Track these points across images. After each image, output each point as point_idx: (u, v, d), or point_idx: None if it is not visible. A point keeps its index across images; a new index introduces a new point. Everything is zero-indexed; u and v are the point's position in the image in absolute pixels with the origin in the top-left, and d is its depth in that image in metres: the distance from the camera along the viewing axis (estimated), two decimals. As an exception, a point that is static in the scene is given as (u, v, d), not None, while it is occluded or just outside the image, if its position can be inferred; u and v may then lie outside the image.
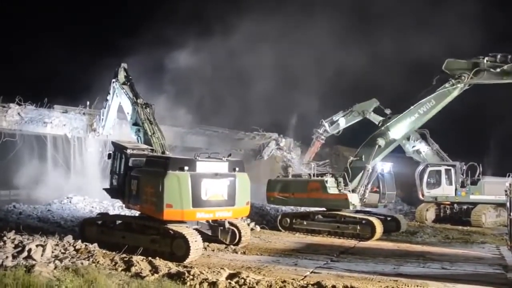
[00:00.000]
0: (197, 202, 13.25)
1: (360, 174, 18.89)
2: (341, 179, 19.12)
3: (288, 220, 19.88)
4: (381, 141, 18.83)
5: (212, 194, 13.61)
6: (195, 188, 13.21)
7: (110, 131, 21.28)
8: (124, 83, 18.71)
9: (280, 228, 19.82)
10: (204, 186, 13.42)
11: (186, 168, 13.21)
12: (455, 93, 18.37)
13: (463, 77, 18.08)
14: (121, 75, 18.87)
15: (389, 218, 20.13)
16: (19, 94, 24.60)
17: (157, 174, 13.36)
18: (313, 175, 20.06)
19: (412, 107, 18.61)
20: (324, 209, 19.55)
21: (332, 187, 18.97)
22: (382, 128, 19.16)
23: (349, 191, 18.73)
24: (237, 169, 14.37)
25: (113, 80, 19.06)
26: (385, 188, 19.94)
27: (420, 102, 18.53)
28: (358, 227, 18.23)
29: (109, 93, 19.61)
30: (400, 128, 18.99)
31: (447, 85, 18.30)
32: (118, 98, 19.03)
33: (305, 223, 19.53)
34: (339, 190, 18.86)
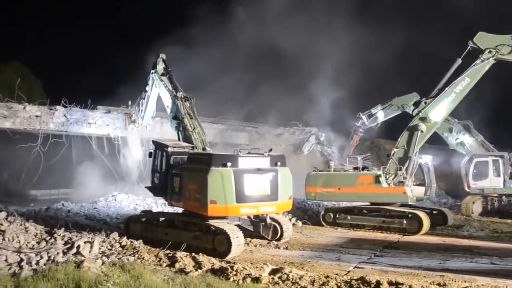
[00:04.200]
0: (240, 197, 13.28)
1: (406, 164, 18.34)
2: (392, 172, 18.50)
3: (332, 215, 19.40)
4: (422, 126, 18.42)
5: (255, 189, 13.62)
6: (238, 184, 13.23)
7: (149, 121, 21.46)
8: (163, 74, 18.71)
9: (323, 223, 19.42)
10: (247, 182, 13.43)
11: (229, 164, 13.24)
12: (486, 68, 18.07)
13: (494, 52, 17.79)
14: (160, 66, 18.90)
15: (435, 212, 19.59)
16: (65, 96, 25.43)
17: (201, 171, 13.44)
18: (360, 169, 19.46)
19: (447, 88, 18.33)
20: (367, 203, 19.02)
21: (386, 180, 18.41)
22: (421, 113, 18.69)
23: (400, 183, 18.16)
24: (279, 163, 14.32)
25: (152, 71, 19.11)
26: (430, 181, 19.39)
27: (454, 82, 18.26)
28: (405, 221, 17.72)
29: (148, 84, 19.68)
30: (439, 110, 18.56)
31: (478, 61, 18.06)
32: (157, 89, 19.03)
33: (349, 217, 19.03)
34: (394, 184, 18.28)
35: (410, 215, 17.81)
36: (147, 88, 19.91)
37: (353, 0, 33.31)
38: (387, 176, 18.47)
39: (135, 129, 23.44)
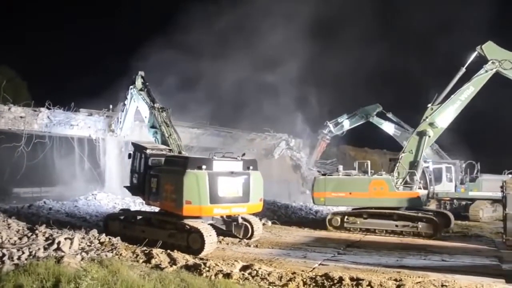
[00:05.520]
0: (214, 198, 13.29)
1: (418, 168, 17.97)
2: (401, 176, 18.00)
3: (339, 219, 18.33)
4: (430, 131, 17.97)
5: (228, 191, 13.64)
6: (212, 186, 13.24)
7: (127, 132, 21.55)
8: (141, 89, 18.89)
9: (329, 227, 18.39)
10: (220, 184, 13.45)
11: (204, 167, 13.24)
12: (488, 77, 17.72)
13: (497, 64, 17.35)
14: (139, 82, 19.07)
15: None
16: (49, 99, 25.01)
17: (177, 173, 13.42)
18: (371, 174, 18.46)
19: (453, 96, 17.97)
20: (373, 207, 17.95)
21: (399, 185, 17.82)
22: (428, 119, 18.10)
23: (409, 187, 17.73)
24: (251, 167, 14.36)
25: (131, 86, 19.27)
26: (432, 184, 19.06)
27: (459, 90, 17.88)
28: (420, 225, 16.94)
29: (127, 98, 19.85)
30: (446, 116, 18.01)
31: (482, 71, 17.66)
32: (136, 103, 19.24)
33: (358, 222, 18.05)
34: (409, 188, 17.71)
35: (425, 219, 17.08)
36: (125, 102, 20.15)
37: (323, 13, 33.70)
38: (396, 180, 17.94)
39: (114, 137, 23.52)
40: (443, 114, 18.04)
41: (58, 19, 54.25)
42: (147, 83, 19.04)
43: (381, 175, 18.55)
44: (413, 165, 18.10)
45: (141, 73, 19.27)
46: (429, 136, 18.12)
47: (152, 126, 17.54)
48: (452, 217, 19.29)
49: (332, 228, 18.39)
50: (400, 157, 18.45)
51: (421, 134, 18.17)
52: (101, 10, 56.29)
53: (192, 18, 33.31)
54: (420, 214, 17.38)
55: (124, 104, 20.30)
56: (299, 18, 32.37)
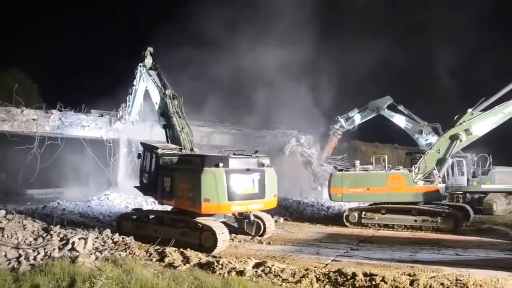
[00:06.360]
0: (231, 195, 13.32)
1: (441, 166, 17.65)
2: (421, 172, 17.69)
3: (356, 215, 18.19)
4: (463, 136, 17.29)
5: (244, 188, 13.67)
6: (229, 183, 13.28)
7: (136, 117, 20.19)
8: (151, 68, 17.94)
9: (346, 223, 18.22)
10: (237, 181, 13.49)
11: (221, 164, 13.26)
12: None
13: None
14: (148, 59, 18.03)
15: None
16: (60, 101, 25.28)
17: (194, 171, 13.41)
18: (388, 168, 18.19)
19: (497, 106, 17.08)
20: (391, 202, 17.76)
21: (418, 179, 17.58)
22: (464, 123, 17.38)
23: (430, 181, 17.47)
24: (265, 164, 14.43)
25: (140, 64, 18.19)
26: (449, 179, 18.64)
27: (506, 103, 17.00)
28: (439, 220, 16.80)
29: (136, 78, 18.73)
30: (484, 125, 17.20)
31: None
32: (145, 83, 18.11)
33: (376, 217, 17.88)
34: (429, 182, 17.43)
35: (444, 214, 16.92)
36: (134, 82, 18.97)
37: (332, 9, 33.53)
38: (415, 174, 17.65)
39: (121, 126, 22.43)
40: (481, 123, 17.27)
41: (65, 20, 54.57)
42: (157, 64, 17.98)
43: (399, 169, 18.34)
44: (438, 163, 17.77)
45: (150, 49, 18.15)
46: (461, 141, 17.46)
47: (163, 114, 16.78)
48: (471, 210, 19.11)
49: (350, 225, 18.22)
50: (426, 153, 18.14)
51: (453, 137, 17.52)
52: (110, 9, 56.50)
53: (205, 10, 33.14)
54: (439, 209, 17.19)
55: (133, 85, 19.13)
56: (307, 13, 32.23)
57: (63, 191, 26.18)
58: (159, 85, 17.19)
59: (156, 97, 17.24)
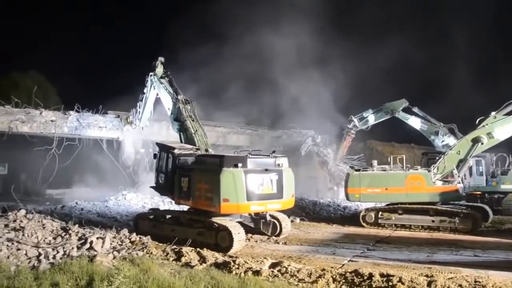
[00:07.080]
0: (250, 195, 13.34)
1: (460, 167, 17.49)
2: (439, 172, 17.53)
3: (373, 215, 18.11)
4: (485, 139, 17.12)
5: (263, 188, 13.67)
6: (248, 183, 13.30)
7: (146, 123, 20.96)
8: (162, 77, 18.31)
9: (362, 223, 18.17)
10: (256, 181, 13.51)
11: (239, 165, 13.29)
12: None
13: None
14: (160, 68, 18.43)
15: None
16: (78, 102, 25.64)
17: (213, 171, 13.43)
18: (407, 168, 18.04)
19: None
20: (409, 202, 17.62)
21: (437, 180, 17.40)
22: (487, 127, 17.19)
23: (448, 182, 17.29)
24: (282, 164, 14.42)
25: (151, 73, 18.64)
26: (466, 180, 18.42)
27: None
28: (457, 220, 16.70)
29: (146, 86, 19.23)
30: (507, 130, 17.02)
31: None
32: (156, 91, 18.56)
33: (393, 218, 17.74)
34: (447, 182, 17.25)
35: (462, 214, 16.81)
36: (145, 90, 19.50)
37: (349, 10, 33.37)
38: (434, 175, 17.47)
39: (131, 129, 23.17)
40: (504, 127, 17.05)
41: (83, 22, 55.27)
42: (168, 72, 18.37)
43: (417, 169, 18.16)
44: (458, 164, 17.57)
45: (161, 59, 18.58)
46: (482, 144, 17.27)
47: (176, 119, 17.04)
48: (490, 211, 18.86)
49: (366, 225, 18.15)
50: (446, 153, 17.94)
51: (475, 140, 17.34)
52: (129, 11, 57.01)
53: (224, 11, 33.14)
54: (457, 209, 17.01)
55: (143, 93, 19.60)
56: (321, 12, 32.15)
57: (81, 191, 26.46)
58: (171, 91, 17.58)
59: (168, 103, 17.62)
